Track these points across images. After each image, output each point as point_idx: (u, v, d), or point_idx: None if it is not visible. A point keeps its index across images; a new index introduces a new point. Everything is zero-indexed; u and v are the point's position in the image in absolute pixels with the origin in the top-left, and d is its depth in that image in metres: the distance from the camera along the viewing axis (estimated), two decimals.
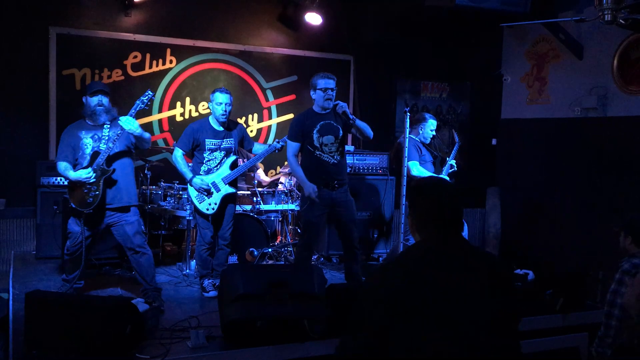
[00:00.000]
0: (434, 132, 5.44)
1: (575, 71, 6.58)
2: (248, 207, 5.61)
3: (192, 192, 4.65)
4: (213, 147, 4.67)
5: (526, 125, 7.25)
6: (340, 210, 4.63)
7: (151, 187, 5.70)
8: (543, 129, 6.99)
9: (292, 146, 4.61)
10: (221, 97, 4.62)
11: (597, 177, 6.28)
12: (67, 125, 4.41)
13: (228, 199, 4.73)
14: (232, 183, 4.73)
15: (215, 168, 4.70)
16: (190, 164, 4.81)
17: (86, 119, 4.32)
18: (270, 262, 5.58)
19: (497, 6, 5.54)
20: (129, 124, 4.10)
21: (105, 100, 4.30)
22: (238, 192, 5.73)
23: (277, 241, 5.99)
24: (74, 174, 4.15)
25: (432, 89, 7.61)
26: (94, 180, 4.16)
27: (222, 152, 4.71)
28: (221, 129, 4.71)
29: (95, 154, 4.22)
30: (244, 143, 4.89)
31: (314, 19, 6.56)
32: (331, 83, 4.51)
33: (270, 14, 6.80)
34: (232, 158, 4.73)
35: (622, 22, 4.18)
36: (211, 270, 4.76)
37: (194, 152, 4.73)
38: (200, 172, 4.68)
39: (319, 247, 5.69)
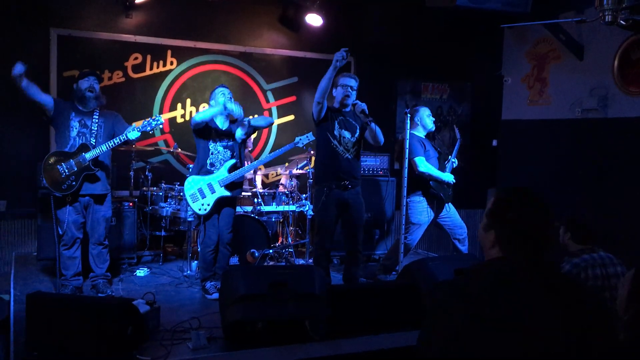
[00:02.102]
0: (432, 118, 5.42)
1: (575, 72, 6.58)
2: (249, 209, 5.61)
3: (187, 191, 4.64)
4: (217, 138, 4.69)
5: (527, 126, 7.25)
6: (350, 211, 4.72)
7: (152, 188, 5.71)
8: (544, 130, 6.99)
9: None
10: (224, 89, 4.74)
11: (597, 177, 6.28)
12: None
13: (224, 202, 4.70)
14: (231, 186, 4.70)
15: (218, 166, 4.70)
16: (191, 165, 4.83)
17: (75, 103, 4.46)
18: (271, 263, 5.58)
19: (497, 7, 5.53)
20: (134, 136, 4.41)
21: (96, 86, 4.48)
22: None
23: (278, 242, 5.99)
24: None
25: (432, 90, 7.61)
26: (75, 170, 4.30)
27: (226, 150, 4.72)
28: (224, 128, 4.73)
29: (84, 147, 4.36)
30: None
31: (314, 20, 6.56)
32: (352, 82, 4.73)
33: (270, 15, 6.81)
34: (232, 162, 4.72)
35: (623, 23, 4.18)
36: (213, 273, 4.76)
37: (202, 139, 4.69)
38: (207, 166, 4.69)
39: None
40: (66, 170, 4.31)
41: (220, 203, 4.68)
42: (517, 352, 1.47)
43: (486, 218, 1.69)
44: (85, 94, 4.43)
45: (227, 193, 4.67)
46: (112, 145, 4.37)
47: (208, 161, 4.69)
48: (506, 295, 1.52)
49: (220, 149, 4.70)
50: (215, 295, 4.47)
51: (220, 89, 4.75)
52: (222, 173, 4.67)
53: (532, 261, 1.60)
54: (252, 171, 6.07)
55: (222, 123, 4.73)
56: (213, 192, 4.64)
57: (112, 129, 4.57)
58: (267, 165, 6.52)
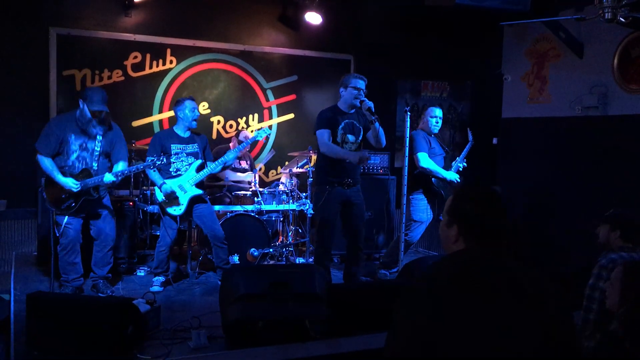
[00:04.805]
0: (436, 120, 5.40)
1: (575, 70, 6.57)
2: (249, 207, 5.61)
3: (160, 195, 4.78)
4: (178, 151, 4.85)
5: (527, 125, 7.24)
6: (352, 209, 4.72)
7: (152, 187, 5.70)
8: (544, 128, 6.98)
9: (325, 133, 4.64)
10: (193, 104, 4.88)
11: (598, 175, 6.28)
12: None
13: (196, 200, 4.85)
14: (200, 185, 4.89)
15: (184, 170, 4.85)
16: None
17: (77, 122, 4.38)
18: (271, 262, 5.58)
19: (497, 5, 5.52)
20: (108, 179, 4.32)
21: (102, 116, 4.39)
22: (240, 193, 5.77)
23: (279, 241, 5.99)
24: (61, 179, 4.28)
25: (432, 88, 7.61)
26: (76, 192, 4.29)
27: (189, 156, 4.88)
28: (185, 136, 4.90)
29: (86, 173, 4.35)
30: (205, 155, 5.02)
31: (314, 18, 6.55)
32: (361, 83, 4.65)
33: (270, 13, 6.80)
34: (198, 162, 4.90)
35: (622, 20, 4.17)
36: (165, 269, 4.90)
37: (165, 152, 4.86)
38: (172, 173, 4.83)
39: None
40: (67, 192, 4.31)
41: (192, 202, 4.82)
42: (485, 343, 1.49)
43: (447, 215, 1.78)
44: (92, 122, 4.33)
45: (199, 191, 4.85)
46: (99, 182, 4.33)
47: (172, 168, 4.83)
48: (473, 283, 1.57)
49: (183, 157, 4.87)
50: (154, 289, 4.66)
51: (191, 103, 4.87)
52: (190, 174, 4.83)
53: (493, 251, 1.69)
54: (251, 172, 6.09)
55: (183, 132, 4.90)
56: (185, 191, 4.79)
57: (109, 148, 4.51)
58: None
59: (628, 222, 3.39)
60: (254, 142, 5.29)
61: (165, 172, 4.82)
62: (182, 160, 4.85)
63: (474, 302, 1.53)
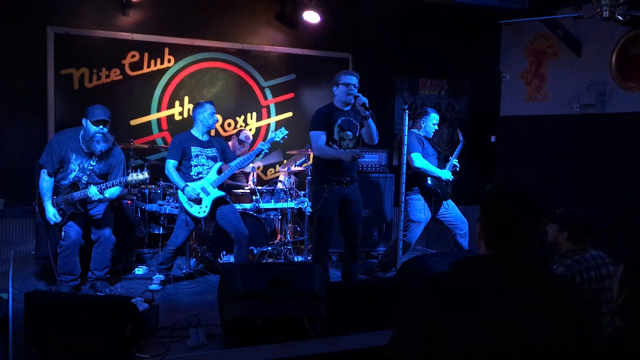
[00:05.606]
0: (436, 127, 5.42)
1: (573, 68, 6.58)
2: (247, 206, 5.61)
3: (183, 198, 4.78)
4: (199, 153, 4.83)
5: (525, 122, 7.25)
6: (350, 207, 4.71)
7: (150, 186, 5.70)
8: (542, 126, 6.99)
9: (320, 136, 4.61)
10: (213, 108, 4.88)
11: (595, 173, 6.29)
12: (65, 128, 4.63)
13: (219, 202, 4.85)
14: (221, 186, 4.89)
15: (206, 173, 4.84)
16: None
17: (81, 142, 4.38)
18: (270, 260, 5.58)
19: (495, 3, 5.52)
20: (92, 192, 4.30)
21: (105, 129, 4.38)
22: (238, 191, 5.77)
23: (277, 239, 5.99)
24: (48, 207, 4.33)
25: (430, 87, 7.61)
26: (63, 207, 4.36)
27: (209, 159, 4.87)
28: (205, 139, 4.89)
29: (74, 186, 4.36)
30: (226, 156, 5.00)
31: (312, 17, 6.55)
32: (354, 79, 4.63)
33: (268, 12, 6.80)
34: (219, 164, 4.90)
35: (620, 18, 4.17)
36: (167, 267, 4.87)
37: (182, 162, 4.83)
38: (193, 177, 4.80)
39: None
40: (54, 206, 4.35)
41: (215, 204, 4.80)
42: (489, 348, 1.49)
43: (480, 211, 1.74)
44: (94, 136, 4.32)
45: (221, 193, 4.84)
46: (83, 195, 4.31)
47: (194, 172, 4.80)
48: (480, 290, 1.55)
49: (204, 160, 4.85)
50: (154, 287, 4.65)
51: (210, 107, 4.86)
52: (212, 176, 4.82)
53: (511, 256, 1.61)
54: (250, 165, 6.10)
55: (201, 135, 4.88)
56: (208, 194, 4.78)
57: (106, 170, 4.51)
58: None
59: (577, 223, 3.20)
60: (275, 143, 5.20)
61: (187, 176, 4.80)
62: (203, 164, 4.85)
63: (480, 307, 1.52)
